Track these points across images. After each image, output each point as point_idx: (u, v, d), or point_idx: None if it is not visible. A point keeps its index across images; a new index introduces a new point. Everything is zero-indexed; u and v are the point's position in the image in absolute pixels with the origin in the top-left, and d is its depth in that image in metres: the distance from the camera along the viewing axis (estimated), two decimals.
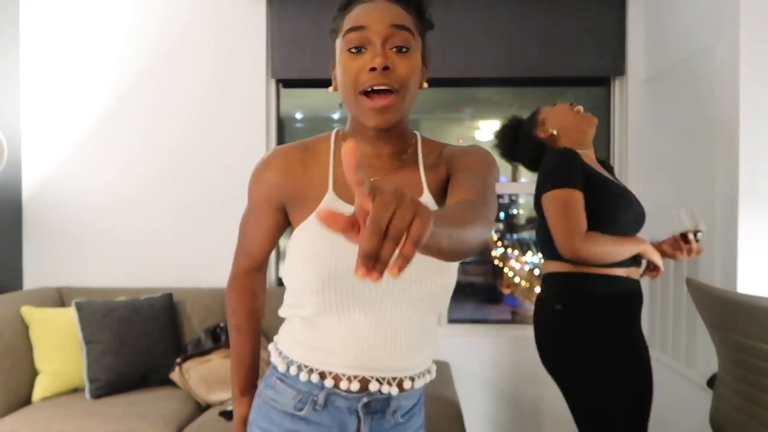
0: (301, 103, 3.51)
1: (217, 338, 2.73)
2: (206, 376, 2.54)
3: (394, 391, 1.02)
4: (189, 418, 2.38)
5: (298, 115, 3.29)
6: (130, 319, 2.66)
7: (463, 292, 3.25)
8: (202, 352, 2.64)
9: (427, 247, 0.70)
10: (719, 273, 2.23)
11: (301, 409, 1.04)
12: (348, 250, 0.98)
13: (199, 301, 2.90)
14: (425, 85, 1.06)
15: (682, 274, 2.52)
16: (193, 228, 3.09)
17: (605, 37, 3.03)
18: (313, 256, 0.99)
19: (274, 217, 1.10)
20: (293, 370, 1.05)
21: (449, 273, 1.03)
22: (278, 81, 3.19)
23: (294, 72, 3.12)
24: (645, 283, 2.89)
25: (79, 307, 2.61)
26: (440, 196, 1.06)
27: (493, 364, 3.05)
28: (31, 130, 3.11)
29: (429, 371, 1.10)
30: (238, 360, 1.22)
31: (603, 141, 3.17)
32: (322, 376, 1.03)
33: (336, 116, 3.78)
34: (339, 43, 1.02)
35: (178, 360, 2.61)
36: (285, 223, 1.12)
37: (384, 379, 1.02)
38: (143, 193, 3.10)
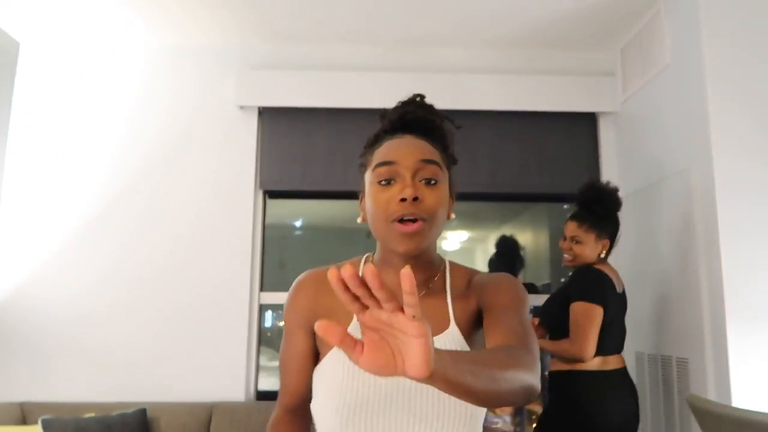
0: (294, 212, 3.55)
1: None
2: None
3: None
4: None
5: (298, 223, 3.32)
6: None
7: None
8: None
9: (453, 384, 0.70)
10: (713, 387, 2.25)
11: None
12: (368, 386, 0.98)
13: (175, 417, 2.74)
14: (452, 216, 1.10)
15: (671, 388, 2.53)
16: (170, 341, 2.98)
17: (581, 159, 3.24)
18: (334, 392, 1.00)
19: (308, 343, 1.10)
20: None
21: (459, 411, 0.99)
22: (265, 192, 3.24)
23: (282, 183, 3.18)
24: (644, 399, 2.88)
25: (46, 425, 2.44)
26: (469, 328, 1.05)
27: None
28: (7, 236, 3.04)
29: None
30: None
31: None
32: None
33: (298, 224, 3.82)
34: (368, 176, 1.06)
35: None
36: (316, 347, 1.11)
37: None
38: (120, 305, 3.00)
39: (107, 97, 3.18)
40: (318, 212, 3.70)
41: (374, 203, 1.02)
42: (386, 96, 3.22)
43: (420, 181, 1.01)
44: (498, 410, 2.86)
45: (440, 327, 1.03)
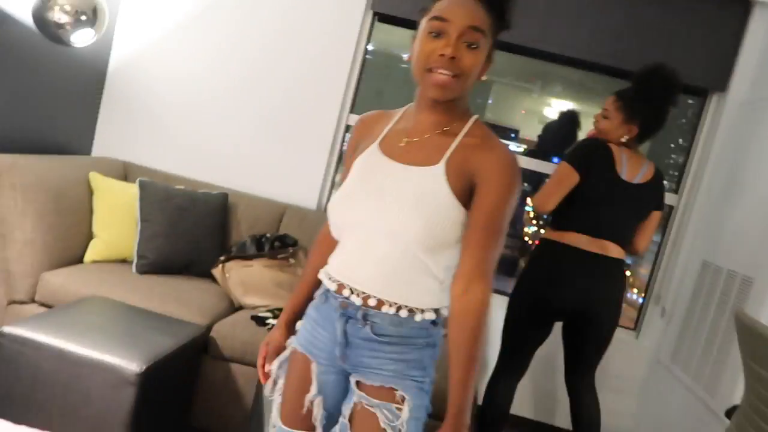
0: (404, 42, 3.47)
1: (261, 246, 2.82)
2: (245, 279, 2.64)
3: (358, 301, 1.24)
4: (222, 313, 2.50)
5: (405, 56, 3.28)
6: (186, 208, 2.77)
7: None
8: (245, 257, 2.74)
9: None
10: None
11: (316, 300, 1.37)
12: (357, 189, 1.26)
13: (251, 207, 2.99)
14: (484, 77, 1.25)
15: (727, 302, 2.50)
16: (260, 140, 3.15)
17: (716, 47, 2.91)
18: (338, 192, 1.29)
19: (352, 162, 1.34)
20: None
21: (424, 220, 1.18)
22: (375, 14, 3.16)
23: (395, 8, 3.07)
24: (687, 302, 2.88)
25: (142, 186, 2.72)
26: (457, 173, 1.21)
27: None
28: (131, 4, 3.17)
29: (408, 309, 1.23)
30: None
31: (682, 150, 3.09)
32: (325, 276, 1.32)
33: (405, 56, 3.75)
34: (423, 23, 1.21)
35: (222, 258, 2.72)
36: None
37: (355, 290, 1.25)
38: (221, 94, 3.15)
39: None
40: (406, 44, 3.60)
41: (420, 49, 1.19)
42: None
43: (463, 42, 1.16)
44: None
45: (431, 161, 1.22)
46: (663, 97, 2.26)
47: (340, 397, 1.31)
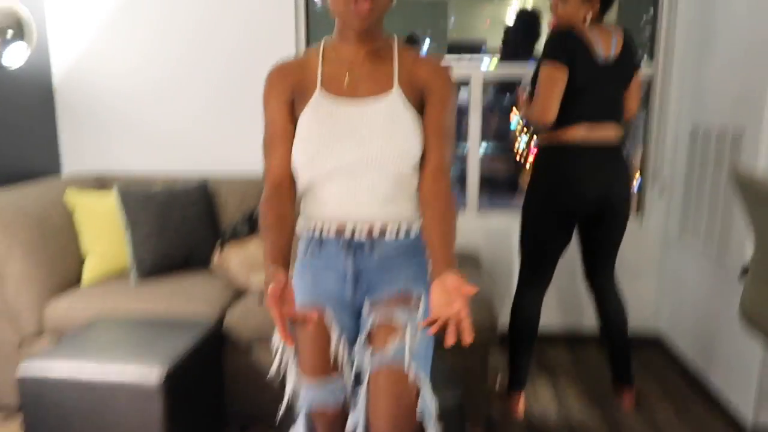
0: None
1: (253, 224, 2.79)
2: (245, 260, 2.63)
3: (364, 232, 1.37)
4: (231, 301, 2.49)
5: None
6: (170, 204, 2.72)
7: (485, 183, 3.27)
8: (240, 238, 2.71)
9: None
10: (764, 160, 2.17)
11: (306, 254, 1.44)
12: (327, 135, 1.33)
13: (234, 186, 2.94)
14: (394, 1, 1.34)
15: (722, 163, 2.46)
16: (225, 112, 3.07)
17: None
18: (302, 139, 1.35)
19: (287, 111, 1.38)
20: (302, 230, 1.45)
21: (401, 143, 1.33)
22: None
23: None
24: (683, 171, 2.85)
25: (120, 192, 2.66)
26: (412, 91, 1.36)
27: None
28: (56, 9, 3.02)
29: (407, 223, 1.40)
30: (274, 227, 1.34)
31: (651, 16, 2.99)
32: (315, 227, 1.41)
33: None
34: None
35: (218, 244, 2.70)
36: (294, 119, 1.39)
37: (357, 224, 1.37)
38: (170, 77, 3.05)
39: None
40: None
41: None
42: None
43: None
44: None
45: (385, 87, 1.35)
46: None
47: (355, 335, 1.38)
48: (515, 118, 4.23)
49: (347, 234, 1.37)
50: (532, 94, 2.32)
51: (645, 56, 3.03)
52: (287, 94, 1.38)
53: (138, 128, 3.10)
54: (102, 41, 3.03)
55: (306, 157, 1.34)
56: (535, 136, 2.84)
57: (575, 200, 2.26)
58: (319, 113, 1.35)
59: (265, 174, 1.40)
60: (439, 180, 1.32)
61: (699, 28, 2.75)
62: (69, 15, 3.02)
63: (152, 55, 3.04)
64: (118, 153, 3.12)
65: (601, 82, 2.23)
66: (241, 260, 2.63)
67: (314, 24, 3.10)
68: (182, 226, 2.73)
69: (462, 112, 3.04)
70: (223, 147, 3.09)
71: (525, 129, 4.30)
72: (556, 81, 2.17)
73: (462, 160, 3.29)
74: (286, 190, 1.37)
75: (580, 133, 2.22)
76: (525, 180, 2.51)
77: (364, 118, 1.33)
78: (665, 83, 2.96)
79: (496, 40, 3.92)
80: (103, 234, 2.68)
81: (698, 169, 2.70)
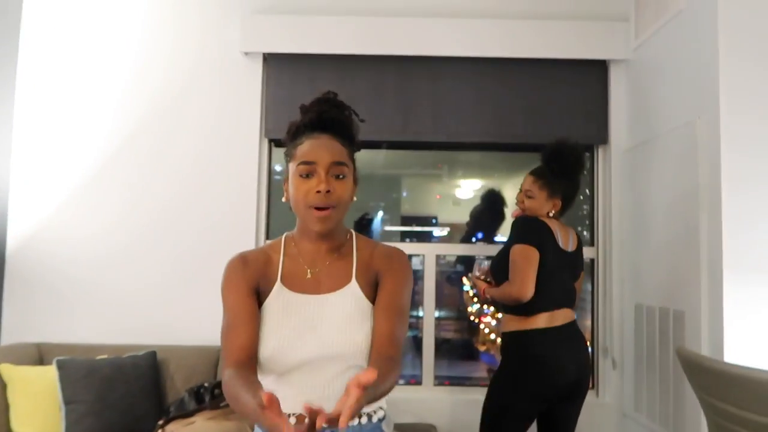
0: (281, 159, 3.56)
1: (200, 399, 2.66)
2: None
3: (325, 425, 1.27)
4: None
5: (278, 168, 3.36)
6: (113, 378, 2.60)
7: (439, 350, 3.29)
8: (186, 414, 2.57)
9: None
10: (706, 337, 2.27)
11: None
12: (287, 332, 1.34)
13: (183, 359, 2.84)
14: (355, 198, 1.43)
15: (668, 340, 2.55)
16: (180, 285, 3.06)
17: (589, 108, 3.17)
18: (266, 333, 1.35)
19: (251, 300, 1.37)
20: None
21: (355, 336, 1.34)
22: (270, 140, 3.24)
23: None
24: (633, 348, 2.92)
25: (61, 366, 2.55)
26: (368, 285, 1.41)
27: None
28: (21, 181, 3.10)
29: (366, 414, 1.37)
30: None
31: (588, 202, 3.26)
32: None
33: (282, 199, 3.82)
34: (292, 167, 1.37)
35: (161, 422, 2.54)
36: (259, 310, 1.38)
37: None
38: (131, 249, 3.08)
39: (110, 43, 3.17)
40: None
41: (296, 191, 1.35)
42: (391, 43, 3.20)
43: (332, 176, 1.34)
44: None
45: (343, 282, 1.40)
46: (574, 167, 2.48)
47: None
48: (467, 284, 4.34)
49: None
50: (494, 278, 2.48)
51: (585, 237, 3.26)
52: (250, 283, 1.39)
53: (88, 297, 3.04)
54: (64, 211, 3.08)
55: (268, 351, 1.33)
56: (487, 308, 2.91)
57: (549, 387, 2.30)
58: (281, 308, 1.37)
59: (225, 357, 1.34)
60: (389, 350, 1.31)
61: (630, 213, 3.00)
62: (34, 185, 3.09)
63: (114, 226, 3.08)
64: (64, 323, 3.01)
65: (564, 270, 2.42)
66: None
67: (275, 216, 3.25)
68: (124, 402, 2.59)
69: (416, 281, 3.14)
70: (177, 320, 3.04)
71: (476, 298, 4.40)
72: (531, 260, 2.31)
73: (418, 326, 3.33)
74: (251, 370, 1.32)
75: (553, 317, 2.34)
76: (479, 342, 2.56)
77: (323, 313, 1.36)
78: (606, 265, 3.16)
79: (443, 214, 4.16)
80: (37, 413, 2.51)
81: (646, 344, 2.78)
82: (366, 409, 1.37)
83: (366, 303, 1.38)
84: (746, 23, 2.24)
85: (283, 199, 1.43)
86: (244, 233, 3.08)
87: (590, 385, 2.45)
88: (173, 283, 3.06)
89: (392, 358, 1.29)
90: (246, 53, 3.15)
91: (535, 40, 3.09)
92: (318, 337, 1.33)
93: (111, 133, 3.13)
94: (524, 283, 2.28)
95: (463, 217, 3.76)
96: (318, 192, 1.32)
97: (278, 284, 1.39)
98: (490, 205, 3.49)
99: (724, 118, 2.22)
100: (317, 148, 1.35)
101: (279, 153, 3.33)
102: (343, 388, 1.22)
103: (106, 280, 3.06)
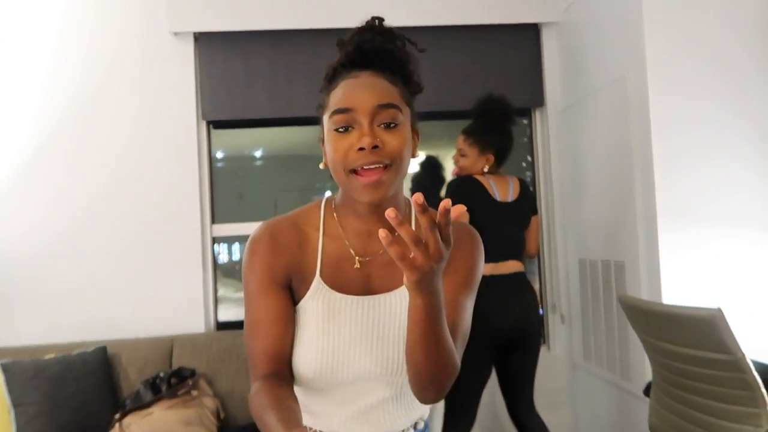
0: (253, 142, 3.49)
1: (157, 389, 2.62)
2: (149, 430, 2.43)
3: None
4: None
5: (219, 155, 3.28)
6: (62, 377, 2.53)
7: None
8: (143, 406, 2.53)
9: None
10: (645, 283, 2.38)
11: None
12: (333, 346, 1.03)
13: (135, 352, 2.78)
14: (417, 153, 1.08)
15: (611, 291, 2.66)
16: (123, 277, 2.98)
17: (525, 72, 3.22)
18: (305, 347, 1.04)
19: (283, 295, 1.04)
20: None
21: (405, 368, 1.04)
22: (209, 122, 3.16)
23: (224, 113, 3.11)
24: (579, 301, 3.03)
25: (5, 369, 2.46)
26: None
27: None
28: None
29: (421, 421, 1.16)
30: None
31: (528, 165, 3.34)
32: None
33: (258, 154, 3.77)
34: (326, 121, 1.03)
35: (117, 416, 2.49)
36: (293, 305, 1.06)
37: None
38: (69, 241, 2.96)
39: (28, 27, 3.00)
40: (277, 141, 3.64)
41: (333, 151, 0.99)
42: (327, 15, 3.15)
43: (379, 126, 0.98)
44: None
45: (402, 279, 0.95)
46: (503, 120, 2.54)
47: None
48: None
49: None
50: None
51: None
52: (281, 271, 1.05)
53: (30, 296, 2.92)
54: None
55: (309, 369, 1.03)
56: None
57: (493, 331, 2.35)
58: (319, 315, 1.04)
59: (252, 365, 1.03)
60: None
61: (569, 171, 3.09)
62: None
63: (49, 218, 2.96)
64: (6, 325, 2.90)
65: (501, 223, 2.46)
66: (144, 430, 2.43)
67: (220, 201, 3.19)
68: (76, 400, 2.52)
69: None
70: (124, 310, 2.96)
71: None
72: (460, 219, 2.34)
73: None
74: (284, 381, 1.00)
75: (487, 269, 2.36)
76: None
77: (378, 322, 1.05)
78: (549, 221, 3.25)
79: None
80: None
81: (591, 297, 2.89)
82: (408, 422, 1.13)
83: None
84: None
85: (321, 165, 1.06)
86: (188, 220, 3.01)
87: (539, 340, 2.51)
88: (116, 275, 2.97)
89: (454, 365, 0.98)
90: (175, 33, 3.05)
91: (468, 7, 3.11)
92: (371, 351, 1.04)
93: (35, 125, 2.98)
94: None
95: (405, 187, 3.79)
96: (361, 149, 0.96)
97: (317, 280, 1.05)
98: (430, 171, 3.51)
99: (651, 71, 2.31)
100: (356, 89, 1.00)
101: (219, 135, 3.26)
102: (393, 413, 1.08)
103: (45, 278, 2.94)
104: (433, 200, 3.62)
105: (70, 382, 2.53)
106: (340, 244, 1.07)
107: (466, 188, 2.46)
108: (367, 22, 1.08)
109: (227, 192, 3.30)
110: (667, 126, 2.30)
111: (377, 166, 0.96)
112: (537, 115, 3.31)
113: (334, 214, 1.09)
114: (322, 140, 1.06)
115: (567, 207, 3.15)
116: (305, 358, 1.03)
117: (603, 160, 2.72)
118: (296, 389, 1.06)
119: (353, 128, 0.98)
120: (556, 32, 3.21)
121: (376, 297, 1.06)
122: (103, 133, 3.01)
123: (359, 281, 1.06)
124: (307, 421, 1.10)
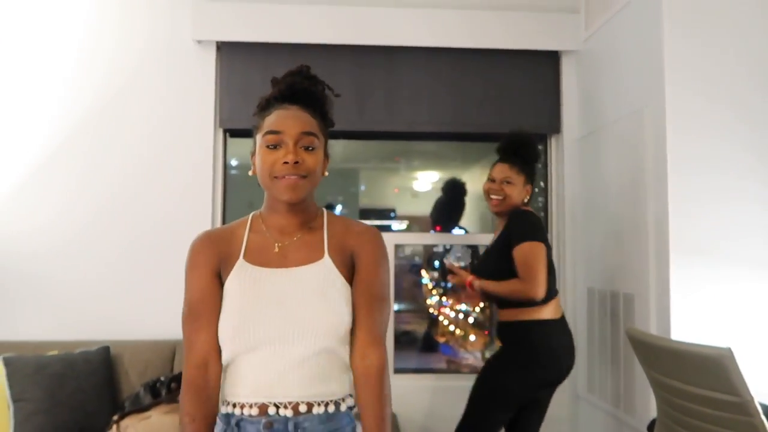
0: (236, 151, 3.51)
1: (156, 393, 2.61)
2: None
3: (290, 413, 1.24)
4: None
5: (234, 162, 3.31)
6: (64, 374, 2.52)
7: (398, 341, 3.31)
8: (141, 409, 2.52)
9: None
10: (654, 317, 2.35)
11: None
12: (252, 305, 1.26)
13: (138, 354, 2.78)
14: (326, 173, 1.37)
15: (618, 322, 2.64)
16: (133, 279, 2.99)
17: (542, 98, 3.23)
18: (227, 310, 1.28)
19: (214, 281, 1.31)
20: (221, 408, 1.31)
21: (330, 315, 1.27)
22: (225, 131, 3.19)
23: (241, 122, 3.13)
24: (585, 331, 3.00)
25: (8, 363, 2.46)
26: (342, 260, 1.33)
27: (439, 414, 3.04)
28: None
29: (334, 402, 1.29)
30: None
31: (541, 191, 3.33)
32: (234, 406, 1.28)
33: (249, 172, 3.79)
34: (259, 139, 1.31)
35: (115, 417, 2.48)
36: (221, 291, 1.31)
37: (281, 403, 1.25)
38: (81, 241, 2.98)
39: (55, 31, 3.05)
40: None
41: (263, 162, 1.28)
42: (345, 33, 3.20)
43: (300, 147, 1.27)
44: (469, 347, 2.97)
45: (315, 257, 1.31)
46: (536, 154, 2.55)
47: None
48: (426, 276, 4.38)
49: (269, 414, 1.24)
50: (486, 273, 2.42)
51: None
52: (213, 263, 1.31)
53: (39, 293, 2.94)
54: (8, 203, 2.97)
55: (230, 328, 1.26)
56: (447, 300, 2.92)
57: (560, 372, 2.34)
58: (244, 282, 1.28)
59: (186, 351, 1.30)
60: (369, 353, 1.29)
61: (583, 200, 3.08)
62: None
63: (63, 217, 2.98)
64: (13, 320, 2.90)
65: (551, 259, 2.42)
66: None
67: (231, 209, 3.20)
68: (76, 398, 2.51)
69: None
70: (129, 314, 2.96)
71: (432, 290, 4.45)
72: (543, 258, 2.29)
73: None
74: (212, 372, 1.28)
75: (555, 307, 2.36)
76: (439, 333, 2.57)
77: (292, 287, 1.27)
78: (560, 249, 3.23)
79: (402, 207, 4.18)
80: None
81: (598, 327, 2.86)
82: (333, 397, 1.29)
83: (341, 281, 1.30)
84: (690, 13, 2.33)
85: (250, 173, 1.35)
86: (199, 226, 2.96)
87: None
88: (124, 277, 2.99)
89: (381, 367, 1.29)
90: (198, 42, 3.09)
91: (489, 30, 3.13)
92: (285, 312, 1.24)
93: (55, 125, 3.01)
94: (541, 283, 2.24)
95: (419, 208, 3.78)
96: (285, 163, 1.25)
97: (240, 260, 1.30)
98: (454, 195, 3.51)
99: (669, 106, 2.30)
100: (285, 117, 1.28)
101: (234, 144, 3.28)
102: (312, 374, 1.25)
103: (53, 274, 2.96)
104: (453, 224, 3.62)
105: (71, 380, 2.53)
106: (263, 236, 1.34)
107: (541, 223, 2.42)
108: (297, 68, 1.39)
109: (239, 200, 3.32)
110: (684, 162, 2.29)
111: (297, 176, 1.26)
112: (553, 142, 3.31)
113: (260, 219, 1.37)
114: (253, 154, 1.34)
115: (578, 234, 3.13)
116: (225, 322, 1.27)
117: (617, 192, 2.71)
118: (226, 369, 1.28)
119: (281, 147, 1.27)
120: (575, 60, 3.22)
121: (292, 269, 1.30)
122: (121, 136, 3.05)
123: (278, 259, 1.31)
124: (227, 393, 1.29)
